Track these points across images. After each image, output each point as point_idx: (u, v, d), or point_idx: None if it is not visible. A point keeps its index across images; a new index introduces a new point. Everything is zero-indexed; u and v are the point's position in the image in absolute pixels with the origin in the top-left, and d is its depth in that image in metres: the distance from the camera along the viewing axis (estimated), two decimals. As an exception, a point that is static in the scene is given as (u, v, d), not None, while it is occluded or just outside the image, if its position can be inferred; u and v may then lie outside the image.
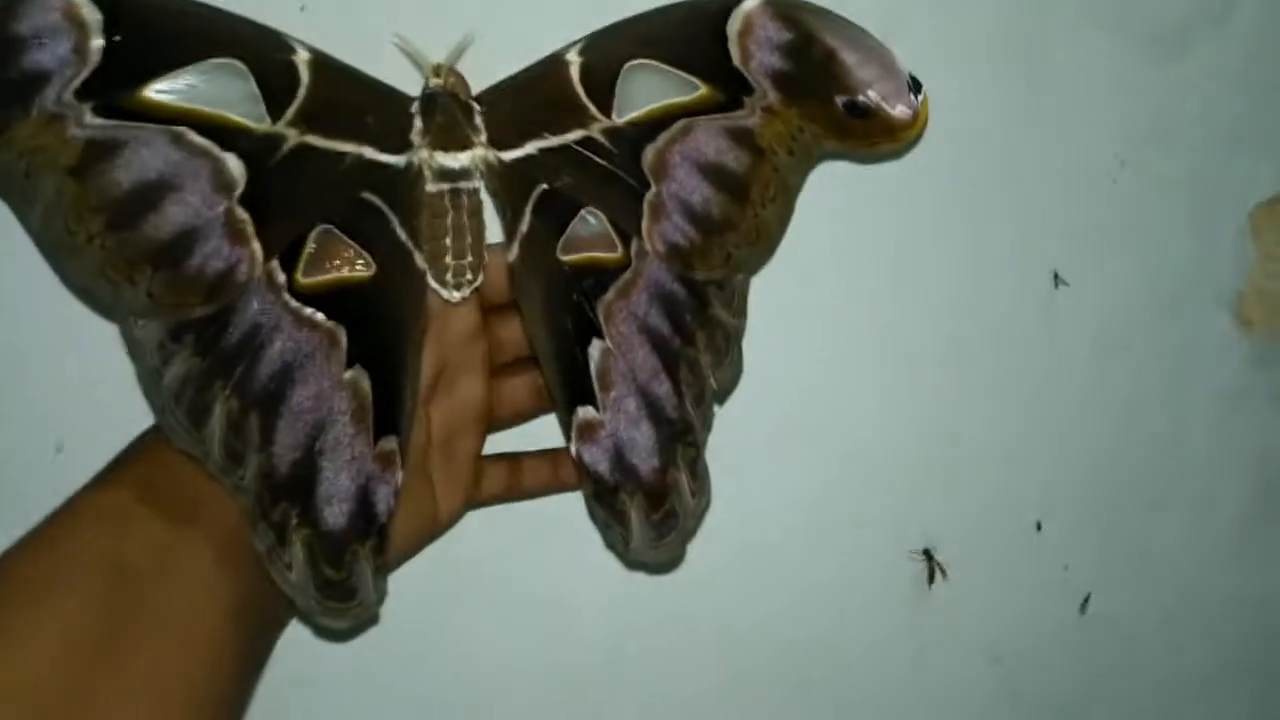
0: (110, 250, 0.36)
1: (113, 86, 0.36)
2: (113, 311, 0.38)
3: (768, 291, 0.46)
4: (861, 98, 0.43)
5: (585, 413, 0.43)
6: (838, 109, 0.43)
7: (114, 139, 0.36)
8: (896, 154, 0.50)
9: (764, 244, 0.45)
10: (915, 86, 0.43)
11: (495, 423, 0.47)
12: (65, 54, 0.35)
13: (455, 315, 0.43)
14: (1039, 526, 0.59)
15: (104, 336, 0.41)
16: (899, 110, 0.43)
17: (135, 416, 0.40)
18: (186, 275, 0.37)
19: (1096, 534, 0.60)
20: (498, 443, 0.48)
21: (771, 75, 0.43)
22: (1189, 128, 0.57)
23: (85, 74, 0.35)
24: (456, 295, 0.42)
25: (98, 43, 0.35)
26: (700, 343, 0.44)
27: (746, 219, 0.44)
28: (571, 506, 0.48)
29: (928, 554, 0.57)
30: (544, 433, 0.48)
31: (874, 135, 0.44)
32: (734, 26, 0.42)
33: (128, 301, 0.37)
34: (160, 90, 0.37)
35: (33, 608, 0.35)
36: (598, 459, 0.43)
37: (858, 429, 0.55)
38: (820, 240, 0.50)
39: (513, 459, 0.48)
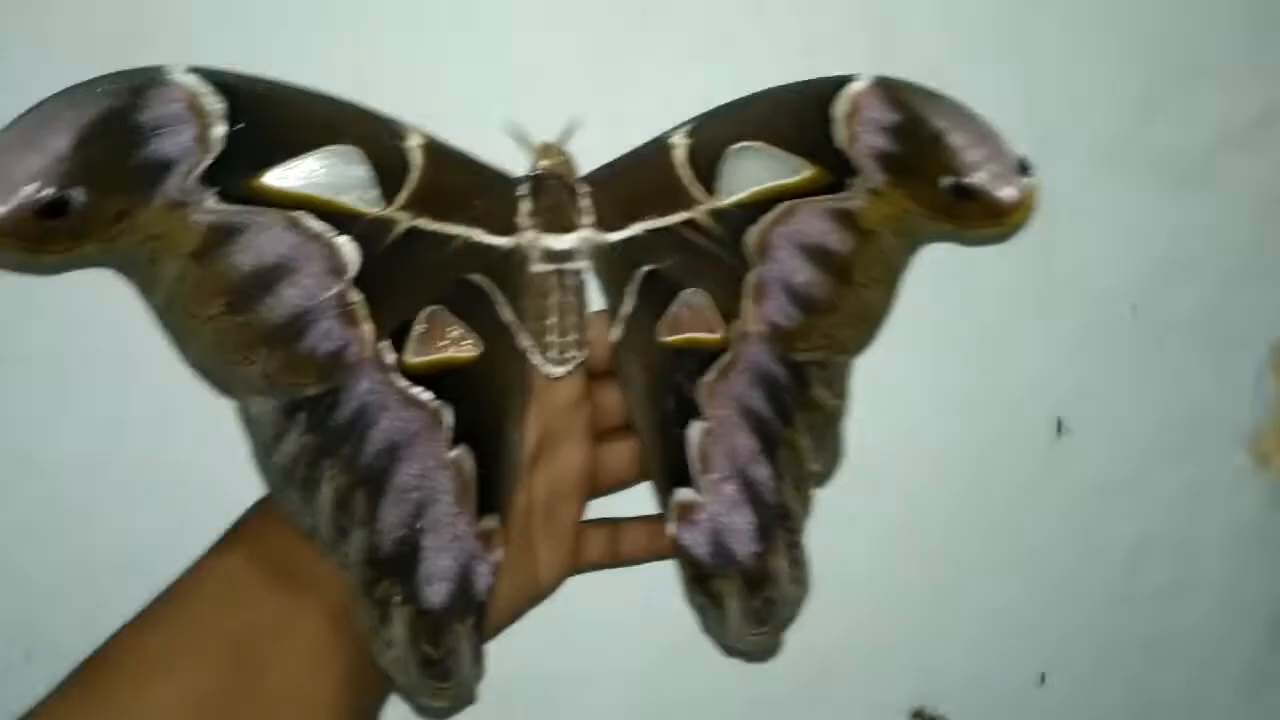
0: (229, 332, 0.37)
1: (233, 173, 0.37)
2: (229, 390, 0.39)
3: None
4: (967, 180, 0.42)
5: (684, 494, 0.43)
6: (943, 191, 0.43)
7: (234, 224, 0.37)
8: (1003, 237, 0.50)
9: (867, 325, 0.44)
10: (1024, 169, 0.42)
11: (596, 489, 0.47)
12: (188, 143, 0.36)
13: (558, 382, 0.44)
14: (1043, 679, 0.56)
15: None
16: (1005, 193, 0.42)
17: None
18: (301, 356, 0.38)
19: (1103, 687, 0.57)
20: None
21: (877, 157, 0.42)
22: (1208, 260, 0.55)
23: (207, 161, 0.36)
24: (559, 372, 0.42)
25: (219, 131, 0.36)
26: (800, 425, 0.44)
27: (849, 300, 0.43)
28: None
29: (920, 715, 0.55)
30: (646, 498, 0.48)
31: (980, 218, 0.43)
32: (840, 108, 0.42)
33: (244, 381, 0.38)
34: (278, 177, 0.38)
35: (155, 681, 0.36)
36: (696, 542, 0.43)
37: (851, 574, 0.50)
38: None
39: (613, 525, 0.48)
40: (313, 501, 0.38)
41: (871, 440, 0.46)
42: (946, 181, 0.42)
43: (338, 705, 0.39)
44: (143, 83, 0.35)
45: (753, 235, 0.43)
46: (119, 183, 0.35)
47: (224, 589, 0.39)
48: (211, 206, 0.37)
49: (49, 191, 0.34)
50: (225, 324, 0.37)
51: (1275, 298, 0.57)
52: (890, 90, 0.42)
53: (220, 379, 0.38)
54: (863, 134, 0.42)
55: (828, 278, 0.43)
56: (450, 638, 0.39)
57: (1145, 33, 0.53)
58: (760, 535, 0.43)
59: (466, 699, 0.41)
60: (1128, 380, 0.55)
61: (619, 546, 0.48)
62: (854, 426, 0.45)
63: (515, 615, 0.45)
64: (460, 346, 0.41)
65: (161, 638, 0.37)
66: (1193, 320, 0.56)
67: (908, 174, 0.43)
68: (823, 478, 0.45)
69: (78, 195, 0.35)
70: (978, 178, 0.42)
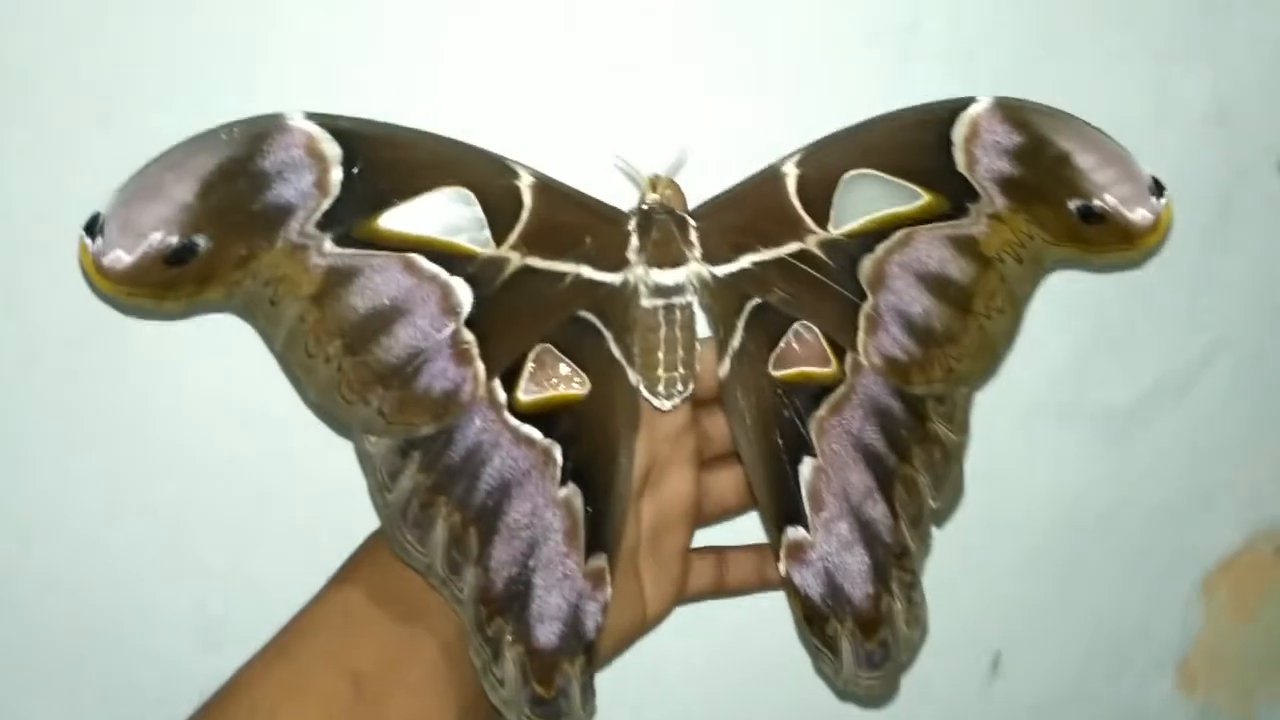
0: (346, 371, 0.38)
1: (350, 216, 0.37)
2: (347, 428, 0.40)
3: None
4: (1097, 202, 0.40)
5: (795, 533, 0.42)
6: (1071, 215, 0.41)
7: (351, 267, 0.38)
8: (1136, 261, 0.47)
9: (989, 357, 0.43)
10: (1157, 190, 0.40)
11: (703, 518, 0.47)
12: (308, 188, 0.37)
13: (666, 413, 0.43)
14: None
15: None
16: (1139, 215, 0.40)
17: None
18: (415, 395, 0.39)
19: None
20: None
21: (999, 181, 0.41)
22: (1140, 498, 0.56)
23: (326, 205, 0.37)
24: (668, 405, 0.42)
25: (337, 175, 0.37)
26: (918, 461, 0.43)
27: (970, 331, 0.42)
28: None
29: None
30: (753, 527, 0.47)
31: (1111, 242, 0.41)
32: (960, 132, 0.41)
33: (361, 419, 0.38)
34: (393, 219, 0.38)
35: (280, 716, 0.37)
36: (808, 583, 0.42)
37: None
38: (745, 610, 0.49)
39: (720, 554, 0.48)
40: (427, 539, 0.39)
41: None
42: (1074, 204, 0.41)
43: None
44: (263, 129, 0.36)
45: (867, 265, 0.41)
46: (241, 228, 0.36)
47: (343, 623, 0.40)
48: (329, 250, 0.37)
49: (174, 239, 0.35)
50: (343, 364, 0.38)
51: (1205, 531, 0.57)
52: (1012, 111, 0.41)
53: (338, 418, 0.39)
54: (983, 157, 0.41)
55: (947, 308, 0.42)
56: (560, 677, 0.40)
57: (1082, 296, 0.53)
58: (875, 575, 0.42)
59: None
60: (1059, 606, 0.56)
61: (726, 576, 0.48)
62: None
63: (624, 645, 0.45)
64: (569, 384, 0.41)
65: (284, 674, 0.39)
66: (1126, 550, 0.56)
67: (1032, 198, 0.41)
68: (942, 515, 0.44)
69: (202, 242, 0.36)
70: (1108, 200, 0.40)
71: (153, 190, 0.35)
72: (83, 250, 0.35)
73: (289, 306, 0.38)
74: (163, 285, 0.36)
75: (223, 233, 0.36)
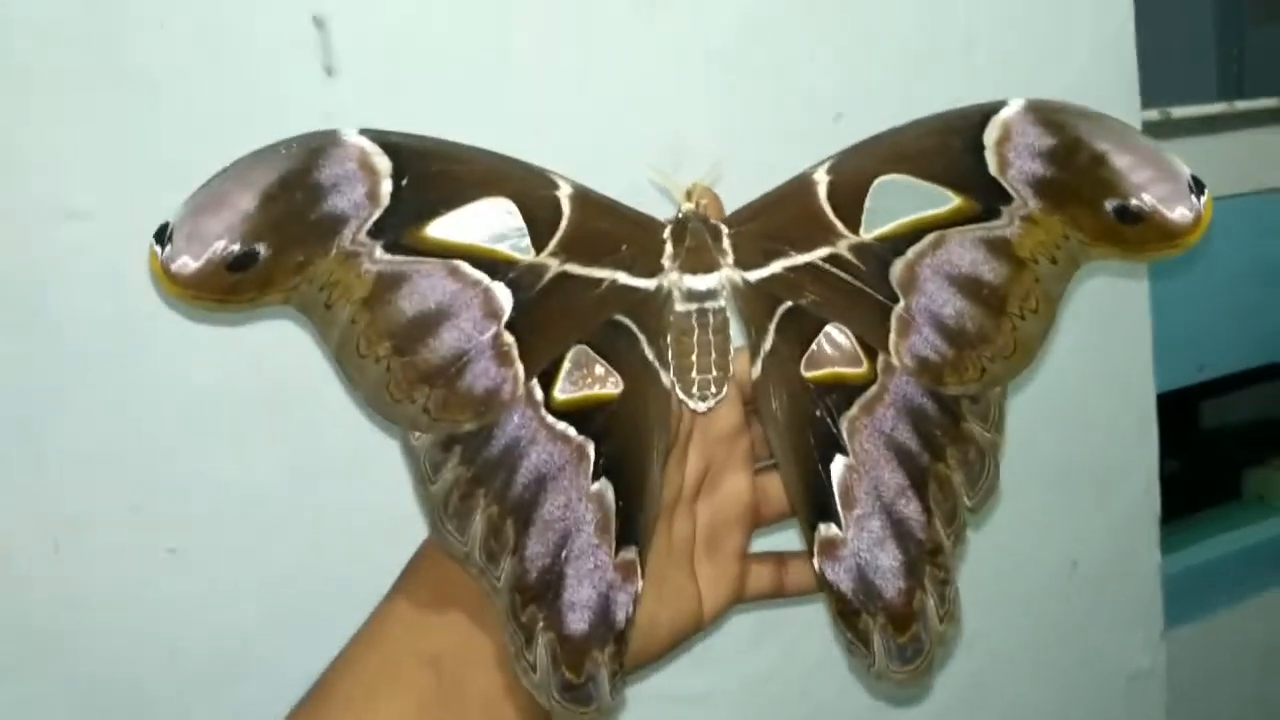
0: (395, 371, 0.40)
1: (399, 225, 0.40)
2: (394, 424, 0.42)
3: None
4: (1135, 202, 0.40)
5: (827, 530, 0.43)
6: (1108, 215, 0.41)
7: (400, 273, 0.40)
8: (1174, 259, 0.47)
9: (1022, 356, 0.43)
10: (1197, 187, 0.40)
11: (760, 520, 0.48)
12: (360, 199, 0.39)
13: (718, 414, 0.45)
14: None
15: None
16: (1178, 214, 0.40)
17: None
18: (459, 393, 0.40)
19: None
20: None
21: (1033, 183, 0.41)
22: None
23: (377, 215, 0.39)
24: (703, 407, 0.43)
25: (387, 187, 0.39)
26: (952, 459, 0.43)
27: (1004, 332, 0.42)
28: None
29: None
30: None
31: (1150, 241, 0.41)
32: (991, 135, 0.41)
33: (407, 416, 0.40)
34: (439, 228, 0.40)
35: (377, 703, 0.40)
36: (840, 577, 0.43)
37: None
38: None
39: (779, 558, 0.48)
40: (466, 530, 0.41)
41: None
42: (1111, 205, 0.40)
43: None
44: (320, 144, 0.39)
45: (899, 268, 0.42)
46: (299, 237, 0.39)
47: (416, 618, 0.42)
48: (380, 257, 0.39)
49: (236, 246, 0.38)
50: (392, 364, 0.40)
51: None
52: (1044, 113, 0.41)
53: (386, 415, 0.41)
54: (1015, 160, 0.41)
55: (980, 309, 0.42)
56: (590, 664, 0.41)
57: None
58: (907, 572, 0.42)
59: None
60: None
61: (785, 579, 0.48)
62: None
63: (678, 645, 0.46)
64: (604, 385, 0.42)
65: (369, 666, 0.41)
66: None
67: (1067, 199, 0.41)
68: (978, 514, 0.44)
69: (262, 249, 0.38)
70: (1146, 199, 0.40)
71: (216, 201, 0.38)
72: (152, 257, 0.38)
73: (342, 310, 0.40)
74: (225, 290, 0.38)
75: (281, 241, 0.38)
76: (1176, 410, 0.83)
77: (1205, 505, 1.01)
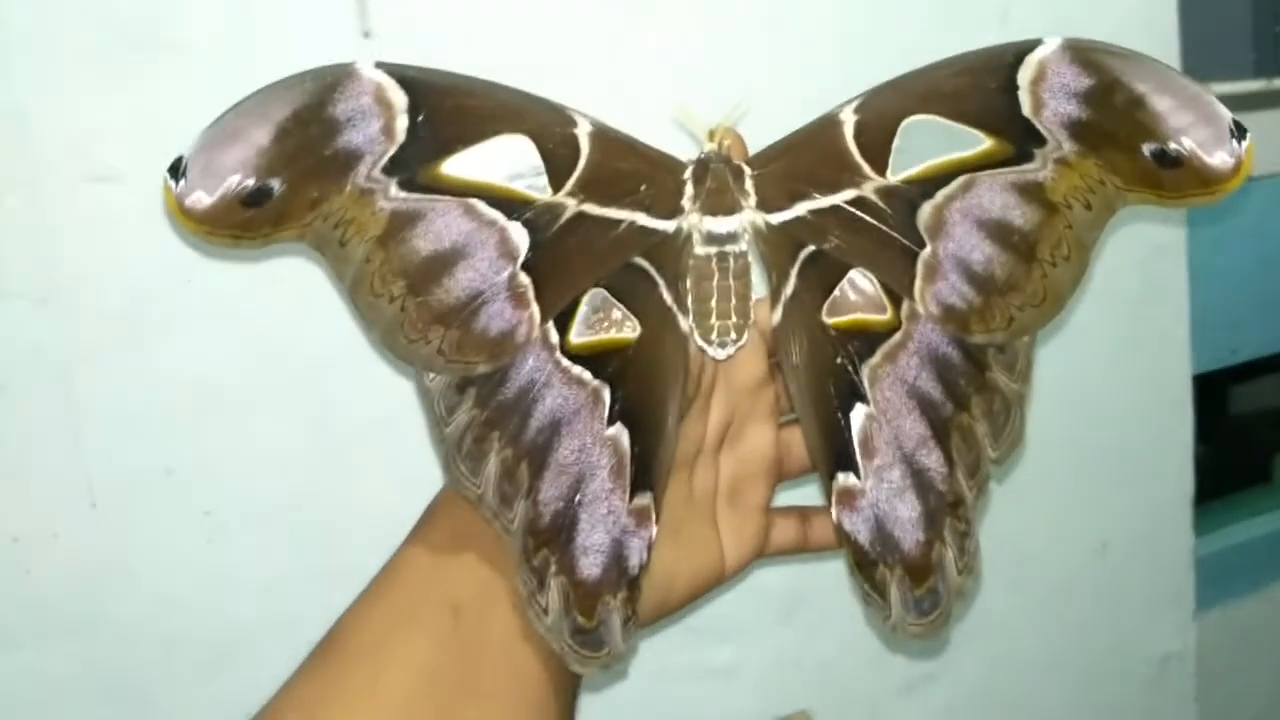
0: (409, 311, 0.39)
1: (414, 162, 0.39)
2: (409, 364, 0.41)
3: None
4: (1174, 145, 0.39)
5: (846, 479, 0.42)
6: (1145, 159, 0.39)
7: (415, 211, 0.39)
8: (1212, 205, 0.45)
9: (1052, 305, 0.41)
10: (1239, 132, 0.39)
11: (784, 474, 0.47)
12: (376, 134, 0.38)
13: (742, 365, 0.44)
14: None
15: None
16: (1218, 159, 0.39)
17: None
18: (473, 335, 0.40)
19: None
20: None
21: (1068, 124, 0.40)
22: None
23: (392, 151, 0.38)
24: (722, 354, 0.42)
25: (403, 123, 0.38)
26: (976, 410, 0.42)
27: (1033, 279, 0.41)
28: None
29: None
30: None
31: (1188, 186, 0.39)
32: (1026, 74, 0.40)
33: (422, 357, 0.40)
34: (455, 166, 0.39)
35: (392, 647, 0.39)
36: (857, 528, 0.42)
37: None
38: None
39: (803, 513, 0.48)
40: (480, 471, 0.40)
41: None
42: (1149, 149, 0.39)
43: (544, 678, 0.41)
44: (335, 78, 0.38)
45: (927, 212, 0.41)
46: (313, 172, 0.38)
47: (432, 563, 0.41)
48: (395, 194, 0.39)
49: (251, 181, 0.37)
50: (406, 303, 0.39)
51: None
52: (1082, 52, 0.39)
53: (401, 354, 0.40)
54: (1050, 100, 0.40)
55: (1010, 255, 0.41)
56: (602, 609, 0.40)
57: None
58: (927, 524, 0.42)
59: (618, 669, 0.42)
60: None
61: (809, 534, 0.48)
62: None
63: (698, 596, 0.46)
64: (620, 329, 0.42)
65: (385, 611, 0.41)
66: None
67: (1103, 142, 0.40)
68: (1001, 465, 0.43)
69: (277, 185, 0.37)
70: (1185, 144, 0.39)
71: (231, 136, 0.37)
72: (167, 192, 0.37)
73: (357, 248, 0.39)
74: (240, 225, 0.38)
75: (296, 176, 0.38)
76: (1206, 393, 0.83)
77: (1233, 489, 1.00)
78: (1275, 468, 1.02)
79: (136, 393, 0.53)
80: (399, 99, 0.39)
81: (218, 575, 0.55)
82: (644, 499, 0.41)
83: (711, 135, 0.42)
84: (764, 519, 0.46)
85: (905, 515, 0.42)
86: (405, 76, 0.39)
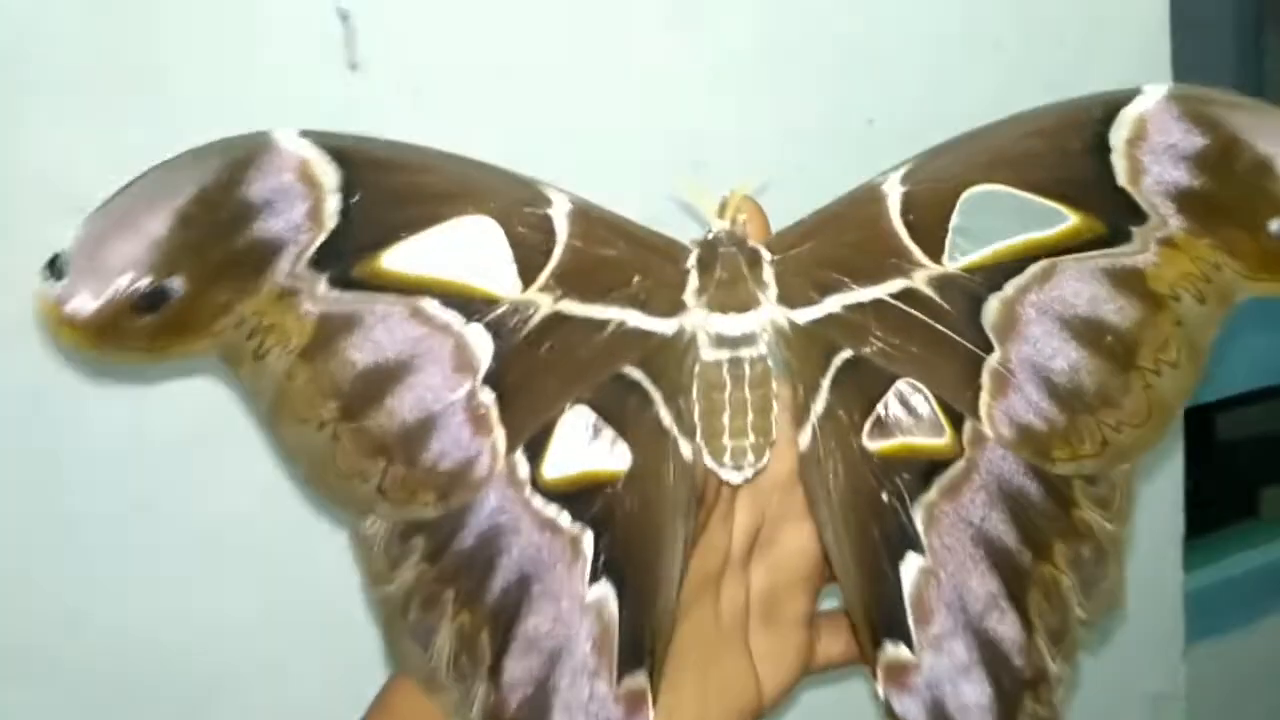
0: (342, 440, 0.33)
1: (348, 254, 0.32)
2: (342, 508, 0.34)
3: None
4: None
5: (896, 650, 0.35)
6: (1273, 238, 0.33)
7: (349, 314, 0.33)
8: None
9: (1158, 423, 0.34)
10: None
11: (828, 578, 0.40)
12: (299, 220, 0.32)
13: (773, 457, 0.37)
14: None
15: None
16: None
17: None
18: (422, 469, 0.33)
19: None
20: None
21: (1175, 196, 0.33)
22: None
23: (321, 240, 0.32)
24: (737, 478, 0.35)
25: (334, 204, 0.32)
26: (1061, 558, 0.35)
27: (1133, 392, 0.34)
28: None
29: None
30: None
31: None
32: (1121, 134, 0.33)
33: (358, 498, 0.33)
34: (399, 257, 0.33)
35: None
36: (910, 712, 0.35)
37: None
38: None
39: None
40: (429, 644, 0.33)
41: None
42: (1278, 225, 0.32)
43: None
44: (248, 152, 0.32)
45: (995, 307, 0.34)
46: (223, 269, 0.32)
47: None
48: (323, 293, 0.32)
49: (146, 281, 0.31)
50: (339, 430, 0.33)
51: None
52: (1193, 103, 0.33)
53: (331, 495, 0.34)
54: (1153, 165, 0.33)
55: (1102, 362, 0.34)
56: None
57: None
58: (1000, 710, 0.34)
59: None
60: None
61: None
62: None
63: None
64: (607, 457, 0.34)
65: None
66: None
67: (1220, 217, 0.33)
68: (1094, 628, 0.35)
69: (178, 285, 0.31)
70: None
71: (121, 224, 0.31)
72: (41, 298, 0.30)
73: (277, 361, 0.33)
74: (133, 336, 0.31)
75: (201, 274, 0.31)
76: (1192, 425, 0.83)
77: (1220, 524, 0.99)
78: (1263, 502, 1.02)
79: (114, 429, 0.50)
80: (329, 175, 0.32)
81: (198, 616, 0.52)
82: (637, 679, 0.34)
83: (722, 210, 0.35)
84: (807, 632, 0.40)
85: (972, 699, 0.35)
86: (337, 147, 0.32)
